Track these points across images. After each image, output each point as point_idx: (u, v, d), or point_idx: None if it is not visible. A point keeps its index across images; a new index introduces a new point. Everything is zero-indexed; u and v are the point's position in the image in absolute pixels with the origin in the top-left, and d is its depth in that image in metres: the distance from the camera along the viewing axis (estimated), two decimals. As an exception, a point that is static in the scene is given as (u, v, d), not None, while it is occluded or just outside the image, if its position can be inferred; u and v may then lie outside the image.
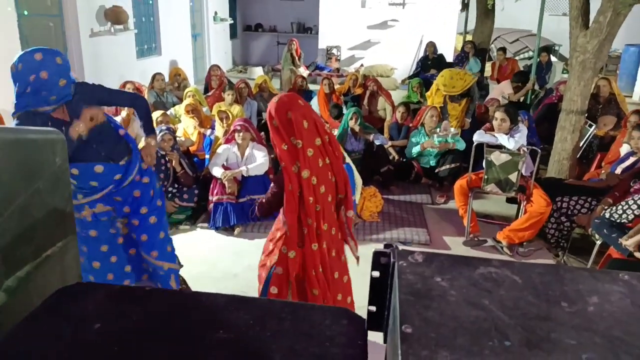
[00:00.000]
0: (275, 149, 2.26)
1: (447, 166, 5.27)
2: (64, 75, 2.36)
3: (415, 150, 5.42)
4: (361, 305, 0.95)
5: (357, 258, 2.49)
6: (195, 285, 3.31)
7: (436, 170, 5.36)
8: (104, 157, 2.65)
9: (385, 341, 0.87)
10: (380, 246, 0.88)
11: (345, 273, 2.53)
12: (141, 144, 2.91)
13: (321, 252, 2.32)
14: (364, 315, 0.91)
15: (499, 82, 8.88)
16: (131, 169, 2.74)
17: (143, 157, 2.83)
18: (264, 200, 2.46)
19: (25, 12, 6.18)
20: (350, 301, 2.55)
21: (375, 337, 0.91)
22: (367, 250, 0.89)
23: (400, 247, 4.16)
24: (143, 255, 2.89)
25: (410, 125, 5.84)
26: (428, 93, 6.80)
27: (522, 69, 9.68)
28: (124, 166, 2.72)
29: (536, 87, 7.98)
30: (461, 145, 5.27)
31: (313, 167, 2.21)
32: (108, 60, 7.53)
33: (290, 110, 2.18)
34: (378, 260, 0.86)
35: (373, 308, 0.88)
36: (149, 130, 2.90)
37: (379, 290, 0.87)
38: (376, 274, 0.86)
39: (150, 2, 9.15)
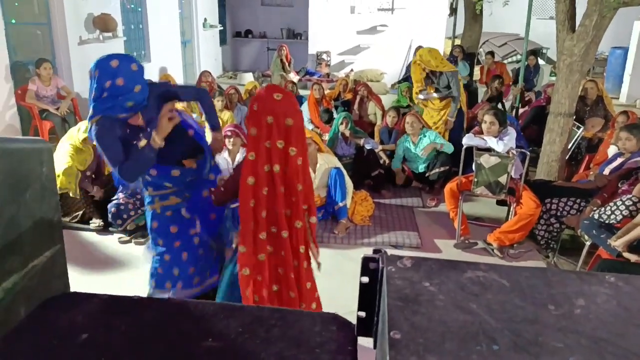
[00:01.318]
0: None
1: (437, 170, 5.30)
2: (139, 82, 2.38)
3: (399, 159, 5.51)
4: (351, 310, 0.95)
5: (319, 264, 2.45)
6: (186, 293, 3.28)
7: (426, 175, 5.39)
8: (179, 160, 2.69)
9: (375, 347, 0.87)
10: (371, 250, 0.88)
11: (309, 280, 2.47)
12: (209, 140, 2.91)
13: (276, 257, 2.29)
14: (354, 321, 0.90)
15: (487, 85, 8.96)
16: (202, 170, 2.77)
17: (213, 153, 2.84)
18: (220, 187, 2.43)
19: (13, 21, 6.14)
20: (315, 307, 2.51)
21: (366, 342, 0.91)
22: (359, 255, 0.89)
23: (392, 250, 4.16)
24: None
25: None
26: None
27: (510, 72, 9.78)
28: (197, 169, 2.75)
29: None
30: (449, 148, 5.30)
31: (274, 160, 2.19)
32: (97, 67, 7.48)
33: (256, 103, 2.18)
34: (367, 266, 0.86)
35: (363, 314, 0.88)
36: (214, 125, 2.90)
37: (368, 296, 0.87)
38: (365, 279, 0.86)
39: (139, 9, 9.13)
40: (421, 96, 5.86)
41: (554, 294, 0.76)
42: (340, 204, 4.40)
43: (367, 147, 5.50)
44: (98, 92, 2.34)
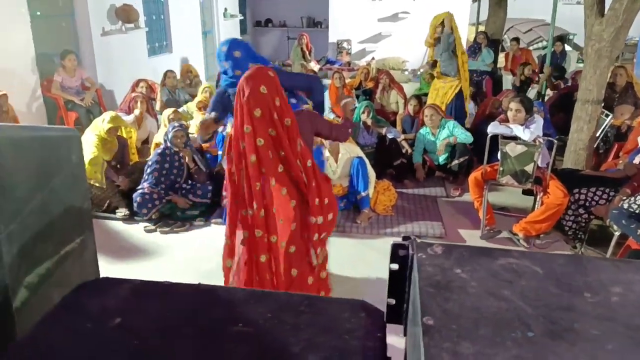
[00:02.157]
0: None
1: (457, 161, 5.24)
2: (239, 67, 2.85)
3: (419, 153, 5.44)
4: (374, 299, 0.95)
5: (314, 266, 2.46)
6: (210, 280, 3.32)
7: (448, 166, 5.34)
8: None
9: (405, 334, 0.86)
10: (394, 240, 0.88)
11: (310, 274, 2.45)
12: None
13: (269, 242, 2.32)
14: (383, 309, 0.90)
15: (512, 72, 8.80)
16: None
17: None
18: None
19: (38, 13, 6.23)
20: None
21: (395, 329, 0.90)
22: (382, 244, 0.89)
23: (415, 240, 4.13)
24: None
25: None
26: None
27: (535, 59, 9.56)
28: None
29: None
30: (468, 139, 5.21)
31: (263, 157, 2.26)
32: (120, 58, 7.58)
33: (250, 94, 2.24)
34: (396, 253, 0.85)
35: (392, 300, 0.88)
36: (320, 111, 3.22)
37: (397, 283, 0.86)
38: (395, 266, 0.86)
39: (161, 0, 9.18)
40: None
41: (590, 281, 0.74)
42: (363, 194, 4.39)
43: (389, 136, 5.46)
44: (219, 69, 3.04)
